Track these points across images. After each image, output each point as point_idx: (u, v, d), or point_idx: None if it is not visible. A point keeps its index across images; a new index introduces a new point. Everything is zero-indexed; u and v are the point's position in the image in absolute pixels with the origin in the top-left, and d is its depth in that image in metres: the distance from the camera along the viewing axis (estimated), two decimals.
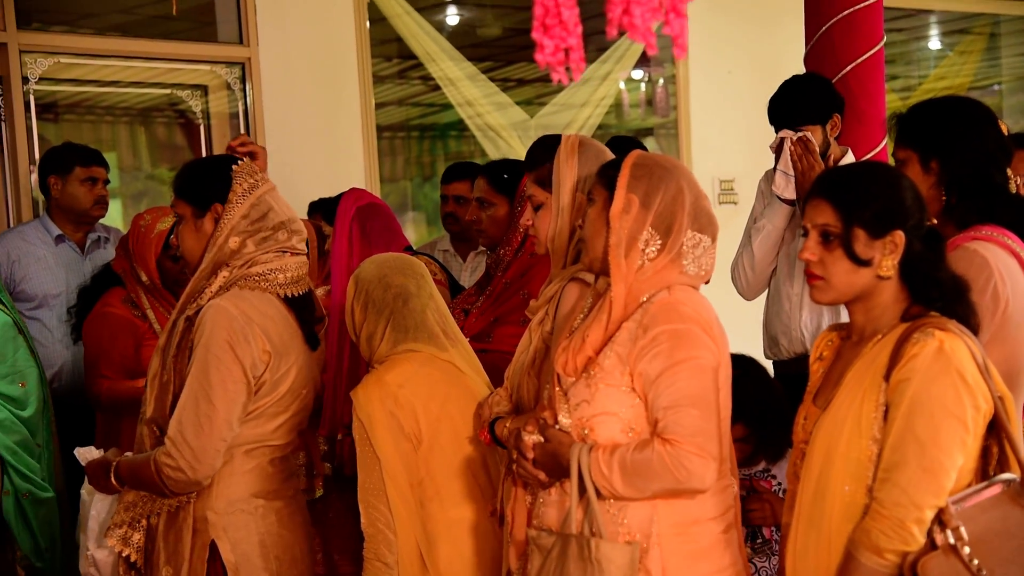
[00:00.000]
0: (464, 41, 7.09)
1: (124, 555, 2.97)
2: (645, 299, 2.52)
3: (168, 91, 6.34)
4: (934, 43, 9.40)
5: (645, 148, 4.16)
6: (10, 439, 3.72)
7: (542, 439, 2.59)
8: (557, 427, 2.59)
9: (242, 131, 6.13)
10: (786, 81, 4.27)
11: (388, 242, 4.08)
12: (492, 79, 6.95)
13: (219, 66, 6.12)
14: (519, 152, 6.80)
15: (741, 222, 4.40)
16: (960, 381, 2.28)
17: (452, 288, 4.16)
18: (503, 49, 7.48)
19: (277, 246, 2.98)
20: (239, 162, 3.03)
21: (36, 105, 5.74)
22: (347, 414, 3.32)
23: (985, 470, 2.37)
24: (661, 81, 7.67)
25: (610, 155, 2.91)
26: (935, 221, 2.83)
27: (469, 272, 5.05)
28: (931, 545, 2.26)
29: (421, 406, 2.96)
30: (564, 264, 2.89)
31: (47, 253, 4.84)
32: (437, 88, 6.82)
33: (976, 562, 2.23)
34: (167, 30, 6.05)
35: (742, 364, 3.43)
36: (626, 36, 1.68)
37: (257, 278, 2.94)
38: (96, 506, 3.15)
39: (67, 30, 6.06)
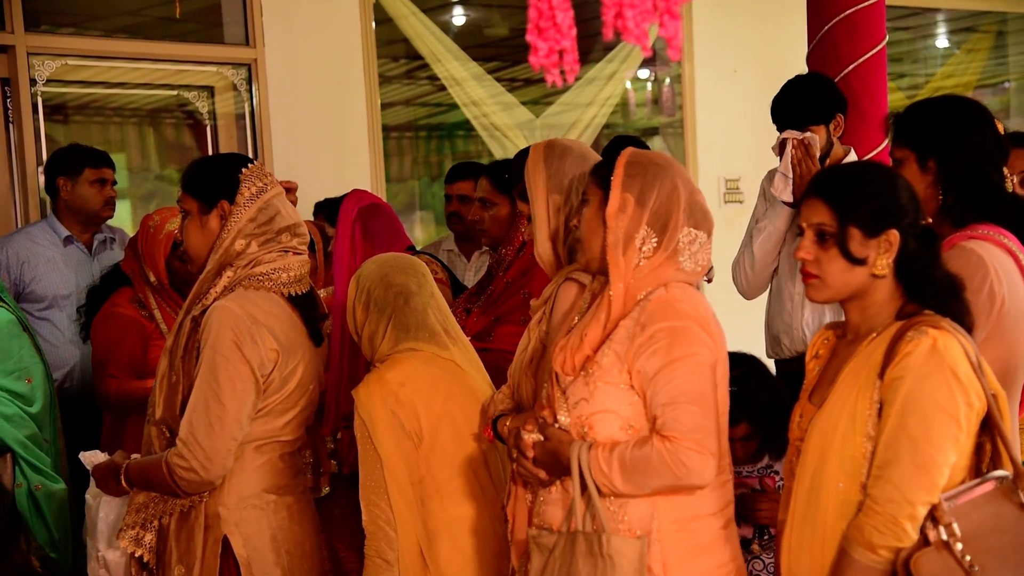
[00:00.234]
0: (470, 41, 7.11)
1: (137, 556, 2.99)
2: (642, 297, 2.54)
3: (175, 92, 6.36)
4: (941, 41, 9.39)
5: (647, 147, 4.19)
6: (21, 433, 3.75)
7: (542, 438, 2.61)
8: (556, 426, 2.61)
9: (248, 132, 6.15)
10: (789, 81, 4.29)
11: (390, 242, 4.11)
12: (498, 79, 6.96)
13: (226, 67, 6.14)
14: None
15: (747, 221, 4.41)
16: (953, 379, 2.29)
17: (454, 287, 4.19)
18: (509, 49, 7.49)
19: (280, 247, 3.01)
20: (250, 164, 3.05)
21: (45, 106, 5.77)
22: (349, 412, 3.34)
23: (978, 467, 2.38)
24: (667, 80, 7.68)
25: (592, 154, 2.94)
26: (931, 220, 2.84)
27: (473, 271, 5.07)
28: (924, 541, 2.27)
29: (422, 404, 2.98)
30: (559, 266, 2.91)
31: (56, 254, 4.85)
32: (444, 88, 6.84)
33: (968, 558, 2.25)
34: (174, 32, 6.08)
35: (745, 363, 3.45)
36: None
37: (261, 278, 2.96)
38: (104, 508, 3.17)
39: (74, 32, 6.09)
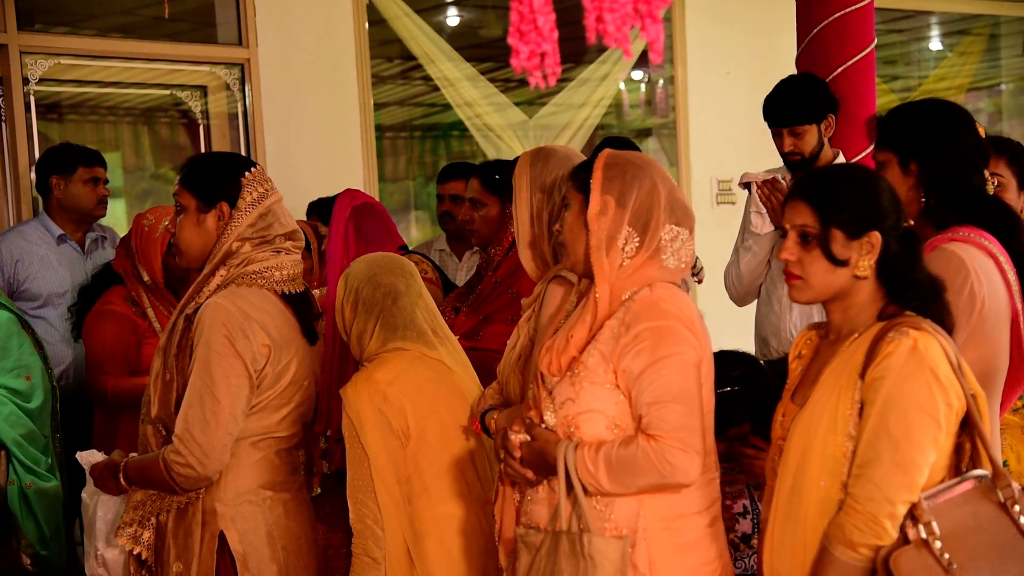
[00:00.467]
0: (464, 42, 7.12)
1: (135, 553, 3.01)
2: (627, 297, 2.55)
3: (168, 92, 6.37)
4: (934, 44, 9.42)
5: (638, 148, 4.21)
6: (16, 432, 3.76)
7: (529, 438, 2.62)
8: (543, 426, 2.62)
9: (241, 132, 6.17)
10: (782, 81, 4.31)
11: (383, 241, 4.12)
12: (493, 80, 6.97)
13: (219, 67, 6.15)
14: (519, 153, 6.82)
15: (739, 221, 4.42)
16: (933, 379, 2.31)
17: (445, 287, 4.20)
18: (502, 50, 7.48)
19: (272, 247, 3.03)
20: (253, 168, 3.06)
21: (40, 105, 5.78)
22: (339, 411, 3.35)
23: (958, 466, 2.40)
24: (660, 82, 7.70)
25: (579, 156, 2.96)
26: (913, 222, 2.86)
27: (465, 271, 5.09)
28: (904, 540, 2.29)
29: (410, 403, 2.99)
30: (542, 268, 2.93)
31: (49, 253, 4.86)
32: (439, 89, 6.85)
33: (947, 556, 2.26)
34: (167, 31, 6.08)
35: (744, 362, 3.47)
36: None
37: (254, 275, 2.98)
38: (102, 507, 3.18)
39: (68, 31, 6.10)
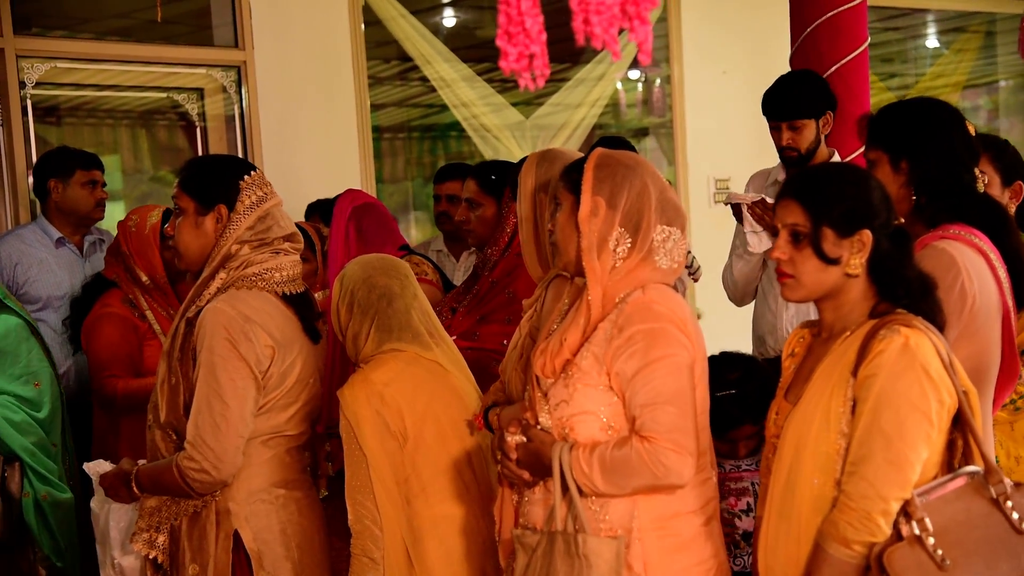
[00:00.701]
0: (461, 43, 7.12)
1: (151, 557, 3.02)
2: (620, 299, 2.56)
3: (165, 95, 6.38)
4: (931, 41, 9.43)
5: (633, 148, 4.22)
6: (27, 440, 3.76)
7: (525, 439, 2.64)
8: (538, 427, 2.63)
9: (238, 134, 6.17)
10: (782, 76, 4.33)
11: (384, 241, 4.14)
12: (489, 80, 6.97)
13: (215, 69, 6.15)
14: (515, 153, 6.84)
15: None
16: (925, 376, 2.32)
17: (446, 288, 4.20)
18: (499, 51, 7.50)
19: (271, 249, 3.04)
20: (252, 172, 3.07)
21: (37, 109, 5.79)
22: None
23: (950, 463, 2.42)
24: (657, 81, 7.71)
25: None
26: (904, 220, 2.87)
27: (462, 272, 5.09)
28: (897, 536, 2.30)
29: (406, 404, 3.00)
30: (544, 267, 2.95)
31: (48, 255, 4.86)
32: (436, 89, 6.86)
33: (940, 552, 2.28)
34: (163, 34, 6.08)
35: (743, 363, 3.47)
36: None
37: (254, 278, 2.99)
38: (114, 515, 3.19)
39: (64, 35, 6.11)
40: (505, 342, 3.60)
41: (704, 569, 2.62)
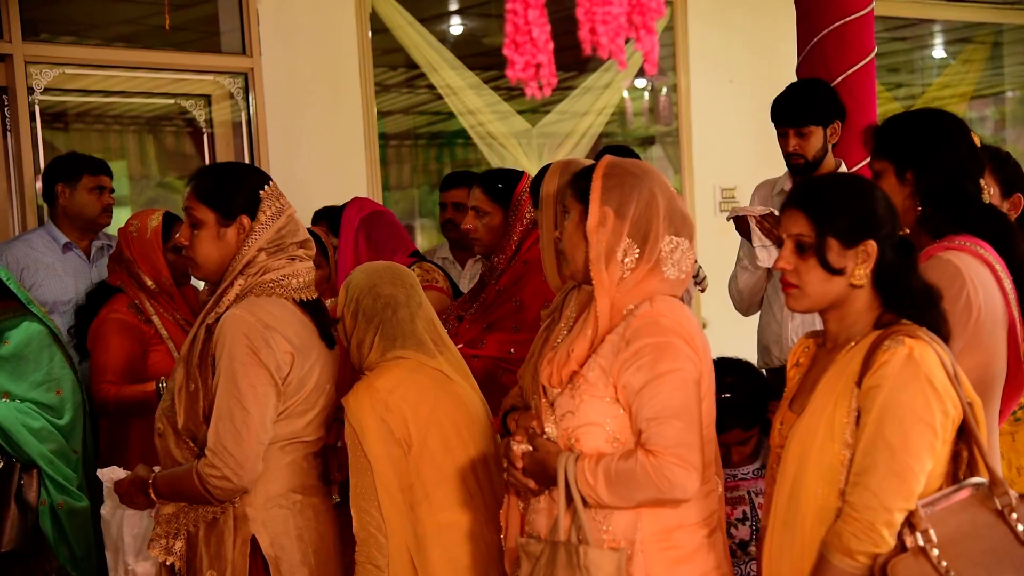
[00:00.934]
0: (467, 50, 7.13)
1: (168, 564, 3.02)
2: (628, 311, 2.56)
3: (173, 101, 6.40)
4: (937, 52, 9.43)
5: (637, 157, 4.22)
6: (46, 448, 3.75)
7: (531, 448, 2.64)
8: (544, 437, 2.64)
9: (245, 140, 6.19)
10: (793, 83, 4.34)
11: (395, 248, 4.14)
12: (496, 88, 6.98)
13: (223, 76, 6.16)
14: (521, 161, 6.85)
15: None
16: (929, 387, 2.32)
17: (455, 296, 4.19)
18: (506, 59, 7.51)
19: (287, 256, 3.04)
20: (270, 183, 3.07)
21: (45, 114, 5.80)
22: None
23: (955, 474, 2.42)
24: (663, 90, 7.71)
25: None
26: (909, 231, 2.88)
27: (467, 279, 5.09)
28: (901, 547, 2.30)
29: (411, 412, 3.00)
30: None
31: (55, 261, 4.87)
32: (442, 97, 6.87)
33: (945, 564, 2.27)
34: (171, 41, 6.10)
35: (736, 368, 3.48)
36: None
37: (272, 284, 2.99)
38: (127, 522, 3.19)
39: (73, 41, 6.11)
40: (512, 350, 3.61)
41: None
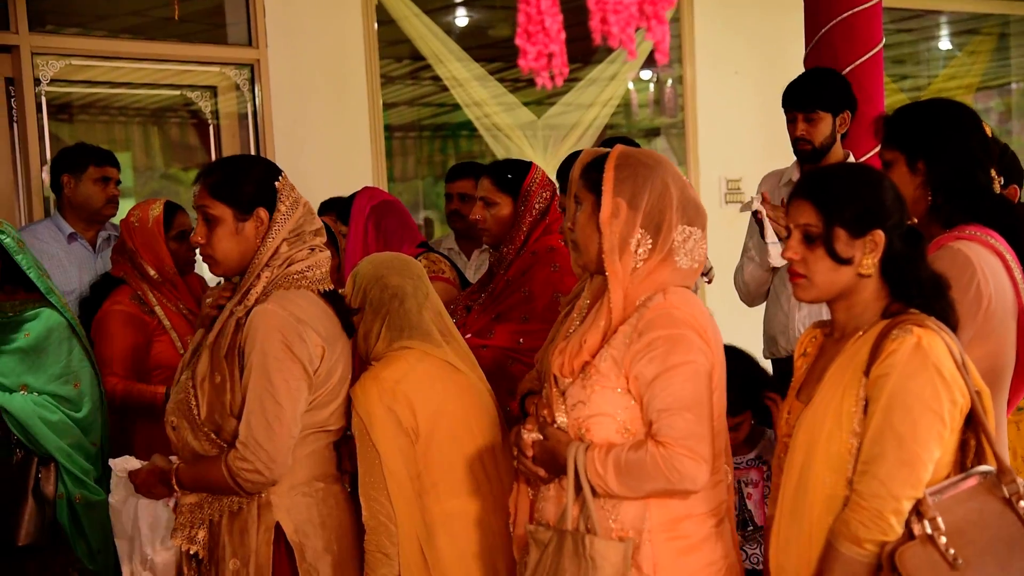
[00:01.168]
0: (473, 42, 7.12)
1: (192, 553, 3.02)
2: (640, 302, 2.56)
3: (179, 92, 6.40)
4: (943, 43, 9.41)
5: (638, 147, 4.23)
6: (64, 441, 3.75)
7: (541, 437, 2.65)
8: (555, 426, 2.64)
9: (251, 132, 6.19)
10: (807, 70, 4.33)
11: (403, 239, 4.15)
12: (501, 80, 6.98)
13: (228, 68, 6.16)
14: (527, 152, 6.85)
15: (747, 220, 4.44)
16: (937, 376, 2.33)
17: (463, 286, 4.19)
18: (511, 50, 7.50)
19: (307, 245, 3.04)
20: (283, 175, 3.06)
21: (51, 105, 5.80)
22: None
23: (963, 463, 2.42)
24: (669, 81, 7.71)
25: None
26: (920, 221, 2.88)
27: (473, 270, 5.10)
28: (909, 535, 2.31)
29: (418, 401, 3.01)
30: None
31: (60, 251, 4.87)
32: (448, 89, 6.87)
33: (952, 551, 2.28)
34: (177, 32, 6.10)
35: (731, 357, 3.48)
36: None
37: (297, 276, 2.98)
38: (142, 511, 3.19)
39: (79, 32, 6.12)
40: (521, 340, 3.62)
41: (714, 570, 2.63)
